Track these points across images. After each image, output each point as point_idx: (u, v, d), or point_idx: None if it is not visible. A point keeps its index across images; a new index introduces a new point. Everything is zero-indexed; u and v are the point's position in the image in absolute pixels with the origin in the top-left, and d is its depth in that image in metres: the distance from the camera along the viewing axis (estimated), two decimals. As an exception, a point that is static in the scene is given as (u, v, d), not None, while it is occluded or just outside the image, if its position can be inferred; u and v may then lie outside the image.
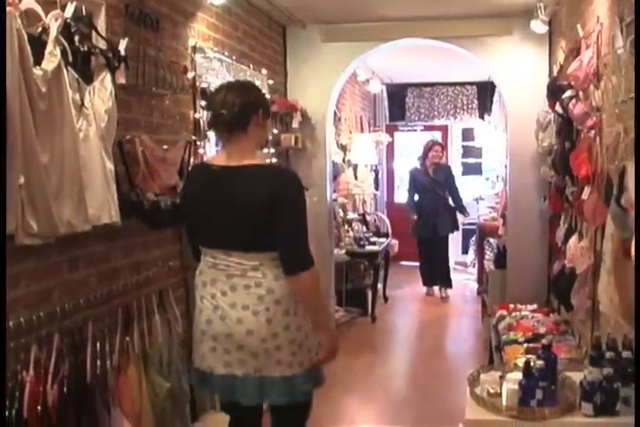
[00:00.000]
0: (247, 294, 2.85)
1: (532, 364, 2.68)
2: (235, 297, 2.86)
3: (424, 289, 9.02)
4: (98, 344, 3.00)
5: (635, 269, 2.44)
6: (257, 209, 2.80)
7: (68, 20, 2.80)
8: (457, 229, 9.27)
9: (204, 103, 4.35)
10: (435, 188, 8.69)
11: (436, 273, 8.86)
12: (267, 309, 2.84)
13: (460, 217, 9.11)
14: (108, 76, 3.05)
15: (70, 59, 2.78)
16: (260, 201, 2.78)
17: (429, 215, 8.63)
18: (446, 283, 8.86)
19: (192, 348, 3.12)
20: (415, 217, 8.74)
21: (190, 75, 4.23)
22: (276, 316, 2.85)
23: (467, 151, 11.76)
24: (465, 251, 10.83)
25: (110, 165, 3.04)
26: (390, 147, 11.35)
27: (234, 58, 5.00)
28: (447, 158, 9.51)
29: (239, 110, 2.85)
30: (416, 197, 8.85)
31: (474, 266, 9.71)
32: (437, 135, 10.80)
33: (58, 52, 2.63)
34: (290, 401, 2.93)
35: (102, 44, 3.10)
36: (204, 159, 3.47)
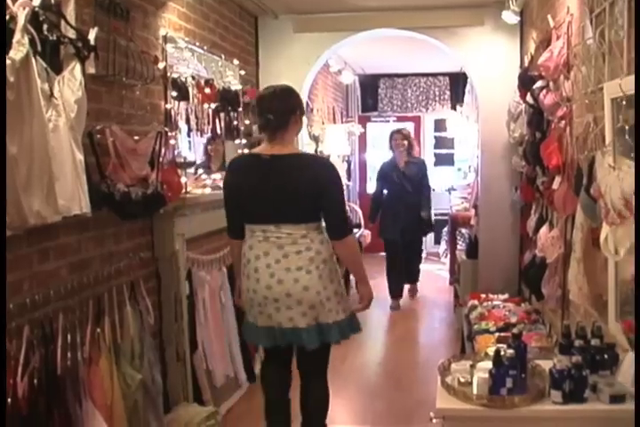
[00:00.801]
0: (299, 258, 3.46)
1: (502, 353, 2.70)
2: (288, 263, 3.46)
3: (389, 301, 7.85)
4: (68, 336, 2.99)
5: (635, 269, 2.45)
6: (306, 189, 3.44)
7: (36, 9, 2.76)
8: (429, 231, 8.27)
9: (176, 95, 4.34)
10: (403, 182, 7.76)
11: (405, 275, 8.09)
12: (317, 267, 3.48)
13: (433, 213, 8.21)
14: (78, 66, 3.01)
15: (39, 48, 2.73)
16: (309, 183, 3.44)
17: (395, 214, 7.71)
18: (413, 280, 8.27)
19: (246, 311, 3.68)
20: (372, 223, 8.18)
21: (161, 65, 4.19)
22: (324, 272, 3.50)
23: (439, 142, 11.79)
24: (437, 241, 10.88)
25: (80, 156, 3.01)
26: (363, 138, 11.37)
27: (205, 48, 4.97)
28: (418, 149, 8.71)
29: (282, 115, 3.51)
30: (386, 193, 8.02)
31: (446, 256, 9.75)
32: (410, 126, 10.78)
33: (26, 41, 2.59)
34: (342, 339, 3.62)
35: (72, 34, 3.05)
36: (253, 150, 3.77)
